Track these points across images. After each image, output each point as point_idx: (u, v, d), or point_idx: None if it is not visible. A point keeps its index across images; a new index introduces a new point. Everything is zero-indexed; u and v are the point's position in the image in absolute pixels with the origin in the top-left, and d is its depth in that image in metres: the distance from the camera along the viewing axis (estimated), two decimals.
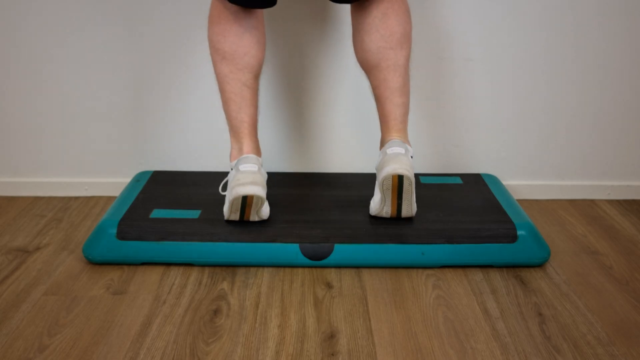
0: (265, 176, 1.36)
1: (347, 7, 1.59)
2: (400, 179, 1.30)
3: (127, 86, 1.66)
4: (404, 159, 1.30)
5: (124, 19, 1.60)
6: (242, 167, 1.32)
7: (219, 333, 1.17)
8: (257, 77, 1.36)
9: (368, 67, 1.37)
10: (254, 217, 1.38)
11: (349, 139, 1.73)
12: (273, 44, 1.63)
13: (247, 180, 1.28)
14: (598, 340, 1.16)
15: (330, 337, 1.16)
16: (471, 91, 1.68)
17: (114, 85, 1.66)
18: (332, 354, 1.11)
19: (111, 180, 1.75)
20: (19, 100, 1.67)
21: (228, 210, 1.36)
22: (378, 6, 1.29)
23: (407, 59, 1.37)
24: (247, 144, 1.37)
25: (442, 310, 1.24)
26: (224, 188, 1.53)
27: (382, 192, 1.34)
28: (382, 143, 1.40)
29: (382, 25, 1.30)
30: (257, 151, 1.40)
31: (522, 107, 1.70)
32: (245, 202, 1.32)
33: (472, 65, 1.66)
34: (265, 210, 1.39)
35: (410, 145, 1.38)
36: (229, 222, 1.40)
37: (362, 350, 1.12)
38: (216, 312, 1.23)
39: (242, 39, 1.30)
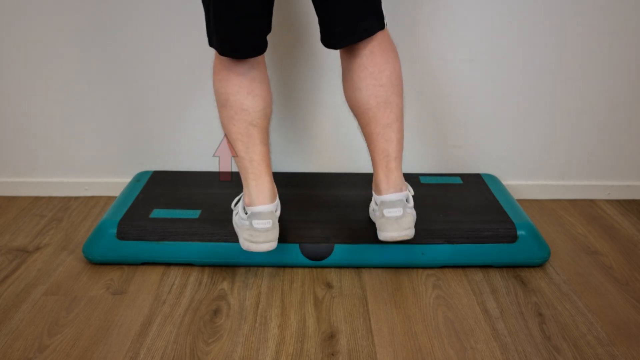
0: (278, 225, 1.30)
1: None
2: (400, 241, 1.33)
3: (127, 86, 1.66)
4: (403, 222, 1.27)
5: (123, 19, 1.60)
6: (255, 224, 1.26)
7: (219, 333, 1.17)
8: (265, 116, 1.28)
9: (358, 105, 1.30)
10: None
11: (349, 139, 1.72)
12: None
13: (260, 239, 1.26)
14: (598, 340, 1.16)
15: (330, 337, 1.16)
16: (471, 91, 1.68)
17: (114, 86, 1.66)
18: (332, 354, 1.11)
19: (111, 180, 1.75)
20: (19, 100, 1.67)
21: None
22: (365, 45, 1.25)
23: (400, 96, 1.30)
24: (259, 188, 1.28)
25: (442, 310, 1.24)
26: (236, 203, 1.46)
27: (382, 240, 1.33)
28: (376, 188, 1.31)
29: (370, 63, 1.26)
30: (272, 194, 1.30)
31: (522, 107, 1.70)
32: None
33: (472, 65, 1.66)
34: None
35: (406, 186, 1.32)
36: (229, 222, 1.41)
37: (362, 350, 1.12)
38: (216, 312, 1.23)
39: (244, 80, 1.25)
